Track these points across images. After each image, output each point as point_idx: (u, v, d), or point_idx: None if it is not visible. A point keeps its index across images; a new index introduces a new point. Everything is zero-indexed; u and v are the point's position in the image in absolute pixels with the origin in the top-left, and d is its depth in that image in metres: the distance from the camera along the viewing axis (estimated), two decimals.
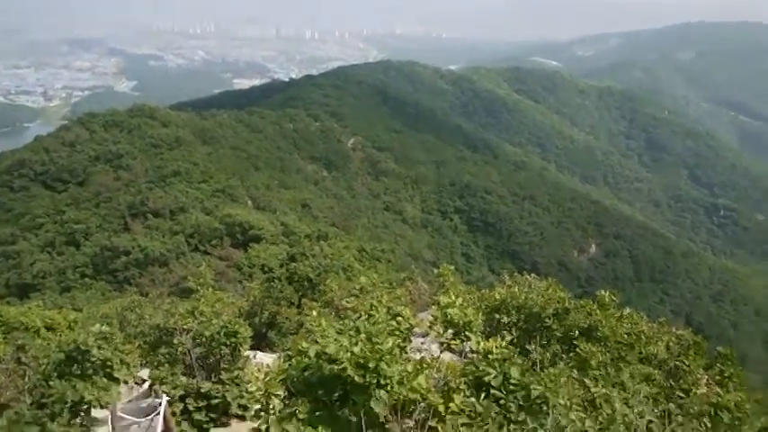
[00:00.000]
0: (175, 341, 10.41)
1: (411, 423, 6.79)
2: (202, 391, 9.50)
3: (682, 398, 9.78)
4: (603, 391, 8.31)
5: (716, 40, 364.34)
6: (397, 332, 8.35)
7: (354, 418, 6.49)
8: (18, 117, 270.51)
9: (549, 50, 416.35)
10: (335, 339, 6.50)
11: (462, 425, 6.76)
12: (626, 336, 11.59)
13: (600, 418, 7.64)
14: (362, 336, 6.60)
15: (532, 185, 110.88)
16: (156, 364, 10.52)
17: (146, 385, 10.10)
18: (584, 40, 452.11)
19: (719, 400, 9.20)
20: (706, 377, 11.45)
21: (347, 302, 12.55)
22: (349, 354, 6.32)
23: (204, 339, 10.08)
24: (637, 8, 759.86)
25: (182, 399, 9.51)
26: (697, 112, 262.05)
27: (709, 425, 8.27)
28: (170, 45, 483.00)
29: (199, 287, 15.88)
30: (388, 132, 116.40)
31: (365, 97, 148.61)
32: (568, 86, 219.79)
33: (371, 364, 6.31)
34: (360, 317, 8.52)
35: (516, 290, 12.45)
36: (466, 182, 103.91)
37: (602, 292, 12.54)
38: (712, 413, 8.67)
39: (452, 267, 15.80)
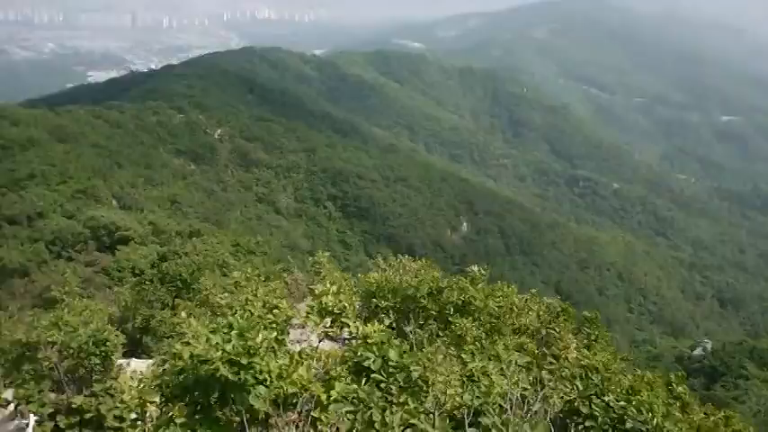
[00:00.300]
0: (40, 356, 9.85)
1: (294, 416, 6.77)
2: (74, 406, 9.03)
3: (552, 363, 10.26)
4: (480, 364, 8.60)
5: (568, 18, 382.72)
6: (275, 325, 8.29)
7: (237, 418, 6.41)
8: None
9: (412, 32, 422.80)
10: (207, 339, 6.37)
11: (346, 412, 6.81)
12: (498, 308, 12.00)
13: (477, 392, 7.92)
14: (234, 332, 6.50)
15: (403, 168, 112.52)
16: (20, 382, 9.90)
17: (10, 407, 9.51)
18: (445, 21, 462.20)
19: (588, 362, 9.74)
20: (575, 341, 12.02)
21: (221, 299, 12.35)
22: (220, 352, 6.22)
23: (72, 351, 9.62)
24: None
25: (52, 417, 9.02)
26: (554, 88, 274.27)
27: (580, 387, 8.70)
28: (14, 37, 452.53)
29: (64, 296, 15.11)
30: (255, 121, 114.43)
31: (230, 86, 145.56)
32: (432, 68, 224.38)
33: (245, 361, 6.23)
34: (235, 313, 8.39)
35: (390, 273, 12.64)
36: (338, 168, 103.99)
37: (473, 267, 12.91)
38: (582, 375, 9.14)
39: (327, 254, 15.84)
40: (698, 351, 61.31)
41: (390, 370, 7.42)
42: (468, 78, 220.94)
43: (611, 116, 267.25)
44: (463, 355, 9.04)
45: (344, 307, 8.60)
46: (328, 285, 8.88)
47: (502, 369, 8.59)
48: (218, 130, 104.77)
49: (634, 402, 8.06)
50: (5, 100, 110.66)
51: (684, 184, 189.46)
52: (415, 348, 9.60)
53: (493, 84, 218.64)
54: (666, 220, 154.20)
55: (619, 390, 8.55)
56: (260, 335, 6.60)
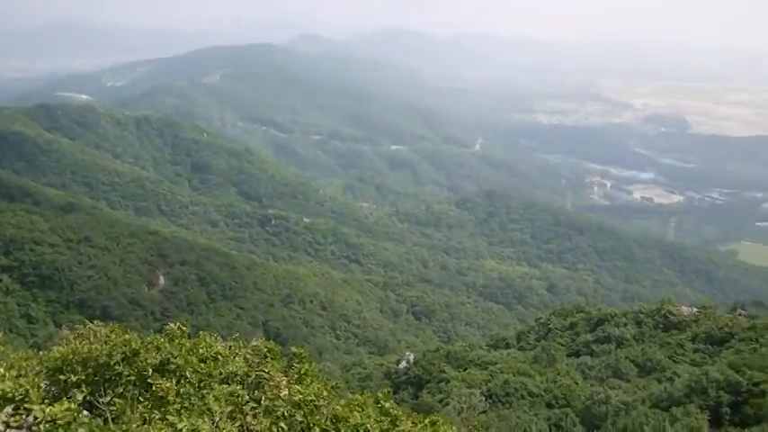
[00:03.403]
0: None
1: None
2: None
3: (255, 407, 10.19)
4: (190, 422, 8.26)
5: (238, 63, 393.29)
6: None
7: None
8: None
9: (77, 83, 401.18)
10: None
11: None
12: (201, 363, 11.65)
13: None
14: None
15: (85, 227, 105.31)
16: None
17: None
18: (111, 70, 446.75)
19: (301, 397, 9.85)
20: (285, 379, 12.08)
21: None
22: None
23: None
24: (157, 36, 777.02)
25: None
26: (233, 132, 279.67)
27: (285, 427, 8.75)
28: None
29: None
30: None
31: None
32: (104, 119, 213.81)
33: None
34: None
35: (77, 343, 11.65)
36: (9, 235, 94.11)
37: (171, 324, 12.44)
38: (286, 414, 9.21)
39: (2, 334, 14.22)
40: (403, 364, 64.98)
41: None
42: (145, 127, 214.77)
43: (292, 154, 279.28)
44: (169, 417, 8.63)
45: (27, 391, 7.76)
46: (3, 370, 7.97)
47: (216, 423, 8.36)
48: None
49: (343, 430, 8.29)
50: None
51: (368, 211, 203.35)
52: (110, 421, 8.96)
53: (171, 131, 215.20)
54: (357, 247, 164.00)
55: (323, 421, 8.73)
56: None
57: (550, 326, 70.87)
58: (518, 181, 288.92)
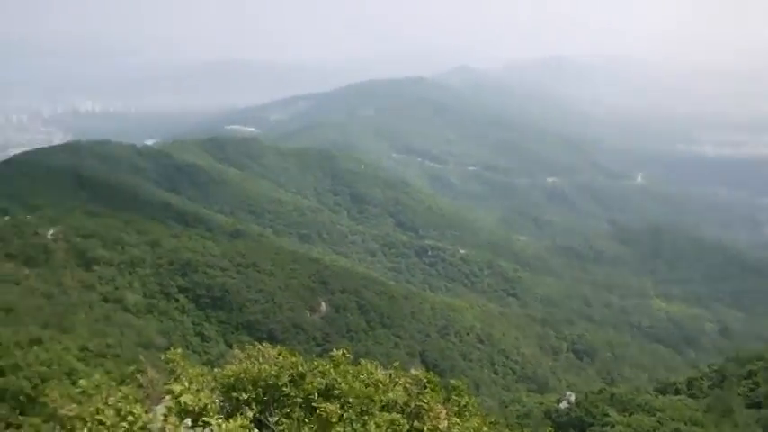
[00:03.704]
0: None
1: None
2: None
3: None
4: None
5: (391, 97, 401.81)
6: None
7: None
8: None
9: (244, 117, 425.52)
10: None
11: None
12: (364, 388, 12.01)
13: None
14: None
15: (253, 253, 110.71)
16: None
17: None
18: (275, 105, 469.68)
19: (459, 429, 9.96)
20: (445, 411, 12.20)
21: (69, 411, 11.58)
22: None
23: None
24: (317, 71, 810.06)
25: None
26: (389, 163, 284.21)
27: None
28: None
29: None
30: (90, 218, 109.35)
31: (58, 183, 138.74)
32: (269, 151, 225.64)
33: None
34: (87, 424, 7.98)
35: (249, 363, 12.37)
36: (185, 259, 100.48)
37: (336, 350, 12.91)
38: None
39: (180, 351, 15.29)
40: (563, 404, 63.29)
41: None
42: (306, 159, 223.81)
43: (447, 185, 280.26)
44: None
45: (205, 405, 8.38)
46: (186, 383, 8.65)
47: None
48: (51, 230, 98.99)
49: None
50: None
51: (524, 245, 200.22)
52: None
53: (330, 163, 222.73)
54: (514, 281, 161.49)
55: None
56: None
57: (726, 373, 66.31)
58: (685, 216, 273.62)
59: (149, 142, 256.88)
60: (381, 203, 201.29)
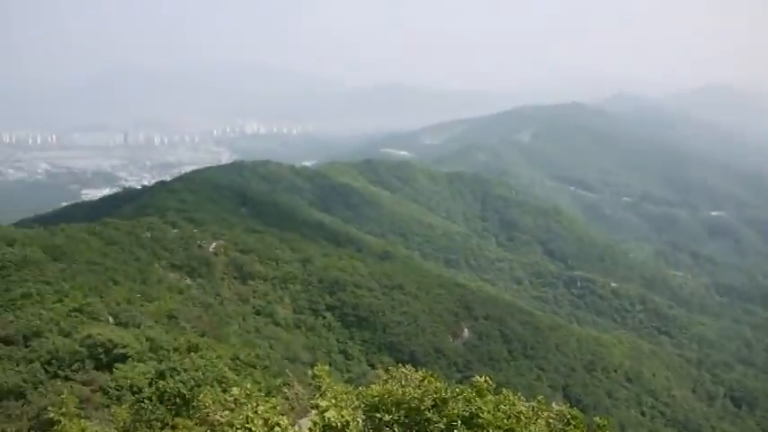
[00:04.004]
0: None
1: None
2: None
3: None
4: None
5: (548, 123, 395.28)
6: None
7: None
8: None
9: (398, 141, 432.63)
10: None
11: None
12: (506, 419, 11.77)
13: None
14: None
15: (400, 275, 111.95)
16: None
17: None
18: (430, 129, 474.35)
19: None
20: None
21: (221, 417, 12.14)
22: None
23: None
24: (474, 96, 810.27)
25: None
26: (542, 190, 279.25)
27: None
28: (8, 158, 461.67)
29: (61, 417, 14.88)
30: (249, 234, 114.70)
31: (222, 200, 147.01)
32: (420, 175, 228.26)
33: None
34: (236, 431, 8.29)
35: (392, 385, 12.46)
36: (334, 277, 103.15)
37: (479, 377, 12.76)
38: None
39: (328, 367, 15.65)
40: None
41: None
42: (457, 184, 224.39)
43: (600, 215, 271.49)
44: None
45: (347, 422, 8.52)
46: (331, 400, 8.83)
47: None
48: (213, 244, 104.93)
49: None
50: (1, 220, 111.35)
51: (681, 281, 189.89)
52: None
53: (481, 188, 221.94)
54: (668, 318, 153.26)
55: None
56: None
57: None
58: None
59: (307, 163, 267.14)
60: (531, 231, 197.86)
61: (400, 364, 14.61)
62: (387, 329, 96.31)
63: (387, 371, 14.42)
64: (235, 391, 12.46)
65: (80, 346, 48.85)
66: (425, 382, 12.33)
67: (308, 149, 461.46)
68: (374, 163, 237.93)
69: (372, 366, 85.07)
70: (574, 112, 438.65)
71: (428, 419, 11.33)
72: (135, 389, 38.33)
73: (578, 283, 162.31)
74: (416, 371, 13.93)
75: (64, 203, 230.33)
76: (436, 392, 11.68)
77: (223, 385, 31.15)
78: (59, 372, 46.95)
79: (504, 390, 12.91)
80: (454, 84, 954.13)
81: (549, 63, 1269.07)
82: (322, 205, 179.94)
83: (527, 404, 12.71)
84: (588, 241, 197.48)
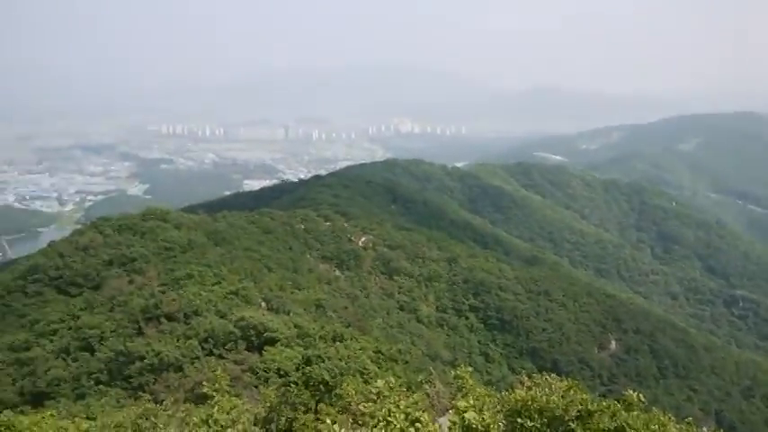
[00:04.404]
0: None
1: None
2: None
3: None
4: None
5: (714, 131, 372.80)
6: None
7: None
8: (32, 222, 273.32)
9: (553, 145, 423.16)
10: None
11: None
12: None
13: None
14: None
15: (546, 281, 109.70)
16: None
17: None
18: (587, 134, 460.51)
19: None
20: None
21: (364, 408, 12.32)
22: None
23: None
24: (636, 101, 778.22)
25: None
26: (704, 202, 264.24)
27: None
28: (180, 149, 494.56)
29: (214, 393, 15.67)
30: (398, 230, 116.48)
31: (374, 196, 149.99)
32: (575, 180, 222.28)
33: None
34: (377, 423, 8.39)
35: (536, 392, 12.19)
36: (479, 278, 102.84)
37: (630, 391, 12.26)
38: None
39: (470, 369, 15.54)
40: None
41: None
42: (613, 191, 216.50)
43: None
44: None
45: (488, 425, 8.42)
46: (472, 401, 8.75)
47: None
48: (363, 238, 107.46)
49: None
50: (171, 206, 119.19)
51: None
52: None
53: (639, 197, 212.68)
54: None
55: None
56: None
57: None
58: None
59: (459, 164, 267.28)
60: (690, 245, 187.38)
61: (541, 371, 14.30)
62: (530, 335, 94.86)
63: (530, 377, 14.16)
64: (379, 383, 12.65)
65: (234, 327, 51.69)
66: (571, 391, 12.00)
67: (460, 150, 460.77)
68: (527, 166, 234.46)
69: (513, 371, 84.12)
70: (744, 120, 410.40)
71: (572, 430, 11.00)
72: (281, 372, 39.99)
73: (740, 303, 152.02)
74: (561, 380, 13.57)
75: (227, 192, 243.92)
76: (582, 403, 11.34)
77: (365, 376, 31.80)
78: (214, 350, 49.90)
79: (654, 408, 12.34)
80: (614, 88, 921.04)
81: (721, 69, 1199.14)
82: (471, 206, 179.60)
83: (677, 425, 12.10)
84: (754, 259, 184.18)
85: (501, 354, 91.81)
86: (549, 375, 13.91)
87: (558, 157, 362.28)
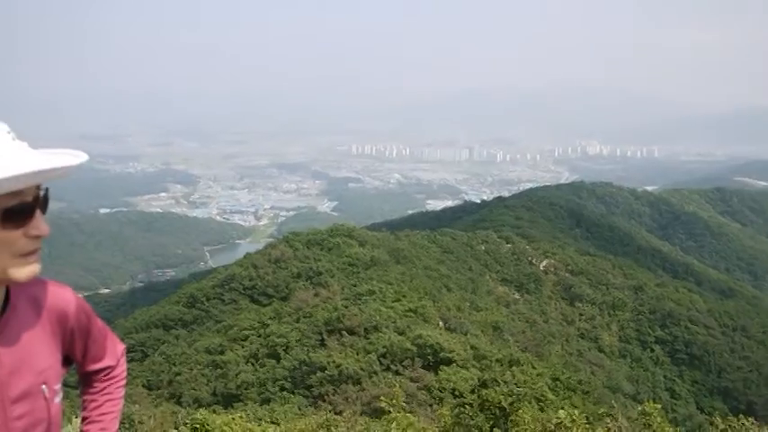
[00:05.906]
0: None
1: None
2: None
3: None
4: None
5: None
6: None
7: None
8: (231, 234, 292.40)
9: (759, 170, 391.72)
10: None
11: None
12: None
13: None
14: None
15: (743, 316, 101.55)
16: None
17: None
18: None
19: None
20: None
21: None
22: None
23: None
24: None
25: None
26: None
27: None
28: (367, 168, 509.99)
29: (390, 408, 15.96)
30: (581, 255, 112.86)
31: (557, 219, 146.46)
32: None
33: None
34: None
35: None
36: (668, 309, 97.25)
37: None
38: None
39: (659, 406, 14.73)
40: None
41: None
42: None
43: None
44: None
45: None
46: None
47: None
48: (544, 262, 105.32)
49: None
50: (356, 223, 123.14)
51: None
52: None
53: None
54: None
55: None
56: None
57: None
58: None
59: (650, 188, 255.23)
60: None
61: (741, 415, 13.26)
62: (722, 373, 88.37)
63: (723, 419, 13.20)
64: (560, 413, 12.29)
65: (411, 344, 52.38)
66: None
67: (651, 174, 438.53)
68: (725, 192, 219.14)
69: (702, 410, 78.69)
70: None
71: None
72: (456, 392, 39.91)
73: None
74: (759, 425, 12.53)
75: (410, 211, 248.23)
76: None
77: (541, 404, 30.97)
78: (391, 365, 50.80)
79: None
80: None
81: None
82: (661, 233, 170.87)
83: None
84: None
85: (688, 390, 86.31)
86: (747, 419, 12.92)
87: (763, 183, 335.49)
